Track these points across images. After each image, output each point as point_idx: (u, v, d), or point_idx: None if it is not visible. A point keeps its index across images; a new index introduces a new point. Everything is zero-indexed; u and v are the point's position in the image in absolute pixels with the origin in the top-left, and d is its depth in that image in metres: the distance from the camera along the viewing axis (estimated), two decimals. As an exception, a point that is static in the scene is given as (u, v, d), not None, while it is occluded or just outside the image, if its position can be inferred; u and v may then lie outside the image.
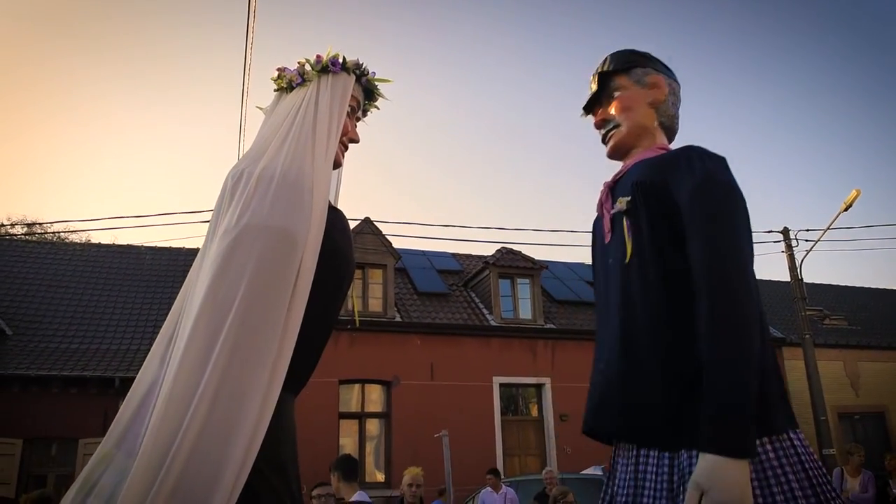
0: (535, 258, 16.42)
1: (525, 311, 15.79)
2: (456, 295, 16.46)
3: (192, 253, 17.12)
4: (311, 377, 1.58)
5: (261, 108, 1.76)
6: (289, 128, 1.57)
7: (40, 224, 25.47)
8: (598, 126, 1.68)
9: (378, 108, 1.87)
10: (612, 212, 1.50)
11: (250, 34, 7.02)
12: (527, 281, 16.05)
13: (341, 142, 1.68)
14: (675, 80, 1.69)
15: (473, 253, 18.97)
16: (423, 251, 18.13)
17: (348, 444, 13.93)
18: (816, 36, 51.49)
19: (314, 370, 1.59)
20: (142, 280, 15.89)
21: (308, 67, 1.69)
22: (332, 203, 1.69)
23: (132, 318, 14.53)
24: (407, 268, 16.88)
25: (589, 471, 11.63)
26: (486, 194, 56.10)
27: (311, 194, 1.44)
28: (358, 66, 1.75)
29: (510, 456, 14.62)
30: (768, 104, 52.97)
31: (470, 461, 13.03)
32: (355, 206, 57.96)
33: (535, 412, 15.34)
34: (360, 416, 14.20)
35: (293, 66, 1.68)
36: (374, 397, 14.54)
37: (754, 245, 1.34)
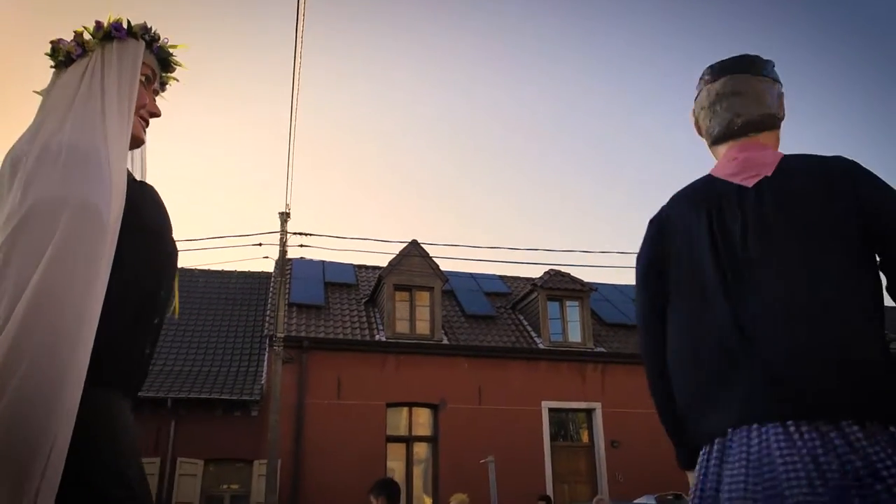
0: (585, 280, 16.16)
1: (574, 334, 15.52)
2: (504, 317, 16.30)
3: (244, 276, 17.45)
4: (146, 377, 1.36)
5: (38, 92, 1.51)
6: (70, 102, 1.36)
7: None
8: None
9: (177, 80, 1.62)
10: None
11: (298, 55, 7.12)
12: (576, 303, 15.80)
13: (139, 115, 1.49)
14: (699, 92, 1.68)
15: (521, 275, 18.79)
16: (470, 273, 18.07)
17: (396, 467, 13.83)
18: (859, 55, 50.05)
19: (148, 368, 1.36)
20: (194, 303, 16.18)
21: (88, 36, 1.49)
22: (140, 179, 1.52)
23: (185, 340, 14.80)
24: (454, 290, 16.82)
25: (642, 500, 11.26)
26: (535, 216, 55.82)
27: (109, 167, 1.25)
28: (146, 30, 1.54)
29: (560, 483, 14.27)
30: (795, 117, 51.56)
31: (519, 487, 12.78)
32: (403, 228, 58.28)
33: (585, 438, 14.99)
34: (408, 440, 14.09)
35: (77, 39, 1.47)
36: (422, 421, 14.43)
37: None
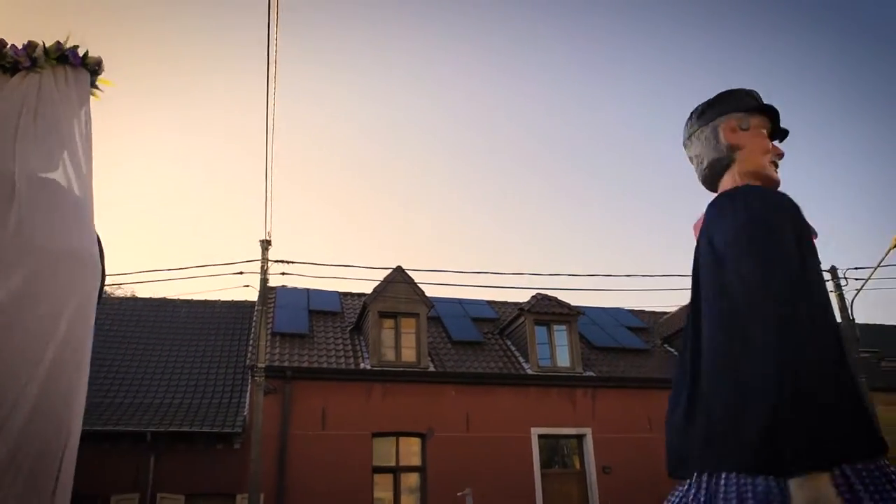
0: (572, 304, 16.02)
1: (563, 359, 15.33)
2: (491, 343, 16.10)
3: (227, 305, 17.20)
4: None
5: None
6: (31, 122, 1.37)
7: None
8: (780, 158, 1.73)
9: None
10: None
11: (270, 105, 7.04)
12: (563, 327, 15.63)
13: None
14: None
15: (510, 300, 18.62)
16: (458, 299, 17.92)
17: (384, 498, 13.50)
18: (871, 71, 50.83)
19: None
20: (177, 334, 15.92)
21: (40, 52, 1.45)
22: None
23: (167, 372, 14.49)
24: (441, 316, 16.63)
25: (635, 527, 10.99)
26: (522, 239, 55.84)
27: (90, 209, 1.38)
28: (99, 65, 1.53)
29: (551, 511, 13.97)
30: (810, 140, 52.12)
31: (509, 517, 12.48)
32: (387, 255, 58.15)
33: (576, 464, 14.71)
34: (395, 470, 13.78)
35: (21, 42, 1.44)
36: (409, 450, 14.13)
37: None
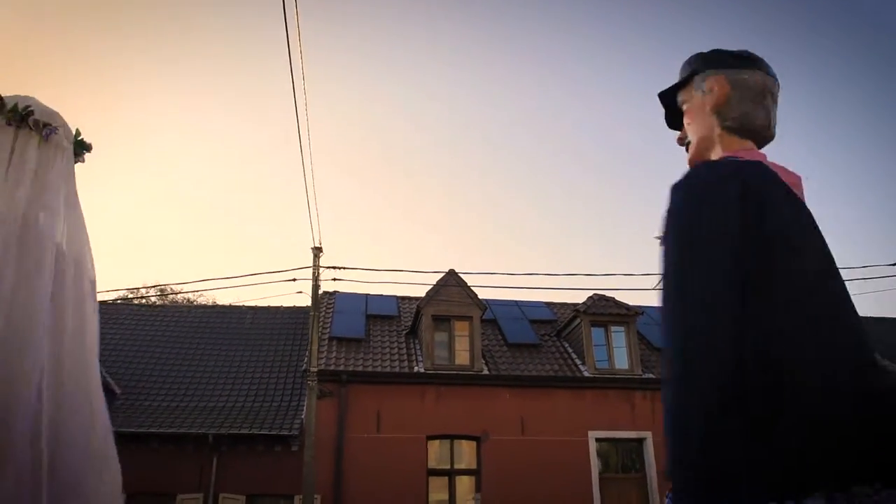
0: (630, 304, 15.64)
1: (621, 361, 14.98)
2: (548, 345, 15.91)
3: (289, 311, 17.67)
4: None
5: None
6: (73, 201, 1.75)
7: (171, 290, 27.20)
8: (680, 144, 1.54)
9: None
10: None
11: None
12: (621, 328, 15.28)
13: None
14: (749, 70, 1.42)
15: (568, 301, 18.34)
16: (515, 301, 17.80)
17: (440, 501, 13.55)
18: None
19: None
20: (242, 339, 16.50)
21: (68, 132, 1.78)
22: None
23: (230, 376, 15.04)
24: (497, 318, 16.57)
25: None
26: (580, 238, 54.90)
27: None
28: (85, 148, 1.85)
29: (611, 517, 13.67)
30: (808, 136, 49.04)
31: (563, 522, 12.30)
32: (441, 257, 58.22)
33: (636, 469, 14.33)
34: (450, 474, 13.80)
35: None
36: (464, 453, 14.13)
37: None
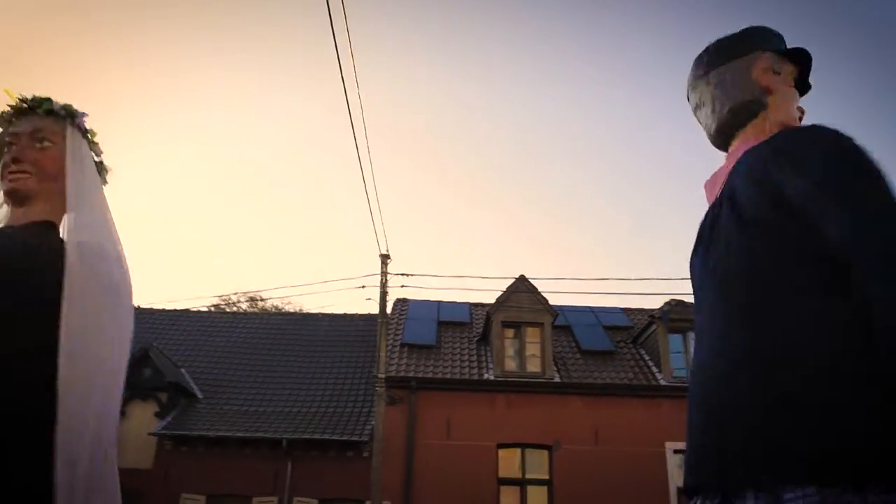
0: (710, 310, 14.93)
1: (700, 369, 14.31)
2: (623, 353, 15.43)
3: (364, 318, 17.94)
4: None
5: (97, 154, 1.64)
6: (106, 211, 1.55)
7: (261, 298, 28.15)
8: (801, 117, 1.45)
9: None
10: None
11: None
12: (701, 335, 14.60)
13: None
14: None
15: (646, 307, 17.77)
16: (590, 307, 17.40)
17: (512, 511, 13.37)
18: None
19: None
20: (318, 346, 16.87)
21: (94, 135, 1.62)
22: None
23: (305, 382, 15.40)
24: (571, 325, 16.23)
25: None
26: (657, 243, 53.07)
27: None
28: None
29: (690, 532, 13.06)
30: None
31: (637, 536, 11.85)
32: (512, 262, 57.48)
33: (718, 483, 13.64)
34: (522, 483, 13.59)
35: None
36: (536, 463, 13.87)
37: None
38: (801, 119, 1.37)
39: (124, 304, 1.44)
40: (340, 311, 18.07)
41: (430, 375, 14.08)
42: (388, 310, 16.83)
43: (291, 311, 22.07)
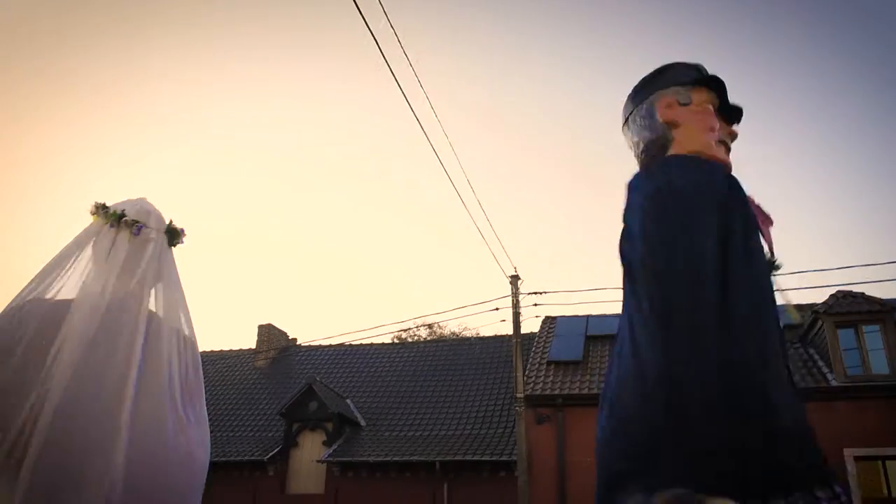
0: (884, 298, 13.39)
1: (879, 365, 12.85)
2: (790, 353, 14.23)
3: (507, 339, 18.15)
4: None
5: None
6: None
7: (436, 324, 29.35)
8: (733, 139, 1.43)
9: None
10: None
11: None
12: (876, 327, 13.12)
13: None
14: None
15: (807, 301, 16.20)
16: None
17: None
18: None
19: None
20: (470, 368, 17.37)
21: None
22: None
23: (459, 405, 15.91)
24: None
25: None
26: (819, 232, 47.34)
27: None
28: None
29: (884, 549, 11.69)
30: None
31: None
32: None
33: (913, 493, 12.10)
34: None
35: None
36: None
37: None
38: (731, 139, 1.40)
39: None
40: (490, 334, 18.42)
41: (576, 391, 13.97)
42: (536, 328, 16.98)
43: (445, 336, 22.81)
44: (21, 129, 43.81)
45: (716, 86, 1.41)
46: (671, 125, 1.37)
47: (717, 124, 1.37)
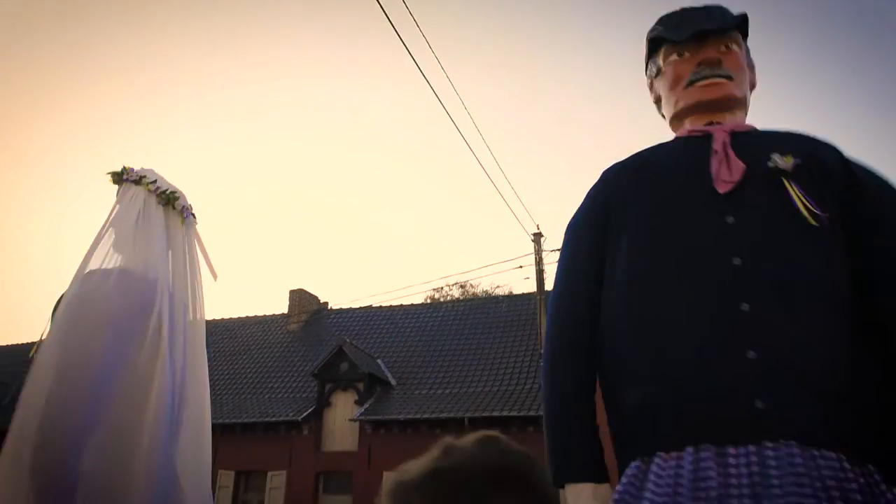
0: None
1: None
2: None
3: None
4: None
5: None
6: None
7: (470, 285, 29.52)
8: (708, 63, 1.30)
9: None
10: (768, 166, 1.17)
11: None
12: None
13: None
14: None
15: None
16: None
17: None
18: None
19: None
20: (497, 326, 17.53)
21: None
22: None
23: (487, 362, 16.13)
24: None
25: None
26: None
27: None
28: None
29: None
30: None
31: None
32: None
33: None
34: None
35: None
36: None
37: None
38: (705, 68, 1.29)
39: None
40: (518, 292, 18.52)
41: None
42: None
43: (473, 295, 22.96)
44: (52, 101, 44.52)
45: (670, 32, 1.34)
46: (658, 103, 1.45)
47: (678, 72, 1.33)
